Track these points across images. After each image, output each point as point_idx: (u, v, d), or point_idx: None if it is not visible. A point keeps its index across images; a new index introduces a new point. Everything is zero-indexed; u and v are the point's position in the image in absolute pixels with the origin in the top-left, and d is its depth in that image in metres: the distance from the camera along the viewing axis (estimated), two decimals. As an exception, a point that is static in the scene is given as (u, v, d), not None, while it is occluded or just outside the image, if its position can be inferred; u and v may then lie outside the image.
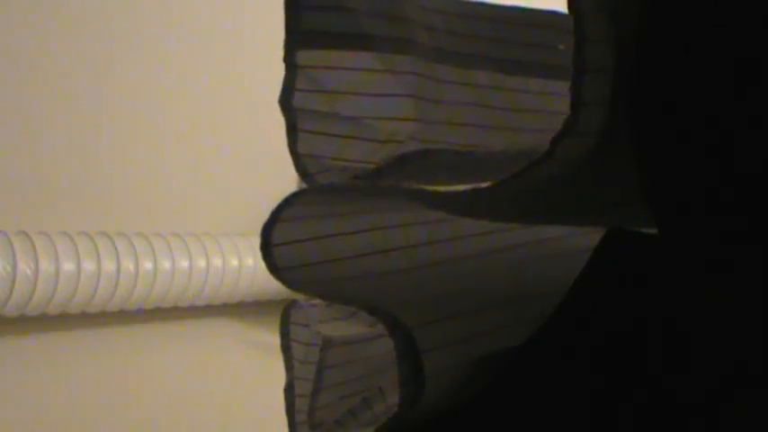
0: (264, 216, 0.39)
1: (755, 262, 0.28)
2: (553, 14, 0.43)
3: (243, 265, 1.10)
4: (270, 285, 1.03)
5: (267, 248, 0.39)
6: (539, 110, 0.43)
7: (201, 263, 1.06)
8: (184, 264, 1.04)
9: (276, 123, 0.43)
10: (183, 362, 1.04)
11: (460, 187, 0.35)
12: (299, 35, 0.41)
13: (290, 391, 0.47)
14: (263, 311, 1.14)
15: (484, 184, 0.33)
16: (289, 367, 0.48)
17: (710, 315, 0.31)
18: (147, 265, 1.00)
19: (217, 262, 1.07)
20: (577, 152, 0.31)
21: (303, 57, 0.41)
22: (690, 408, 0.32)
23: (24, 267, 0.90)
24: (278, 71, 0.42)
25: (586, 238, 0.38)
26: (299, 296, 0.46)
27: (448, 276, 0.41)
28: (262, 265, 0.40)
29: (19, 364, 0.93)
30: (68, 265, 0.93)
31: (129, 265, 0.98)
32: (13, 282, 0.89)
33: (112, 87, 1.09)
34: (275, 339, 0.48)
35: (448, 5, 0.43)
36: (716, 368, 0.31)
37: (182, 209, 1.17)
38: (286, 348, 0.48)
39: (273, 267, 0.40)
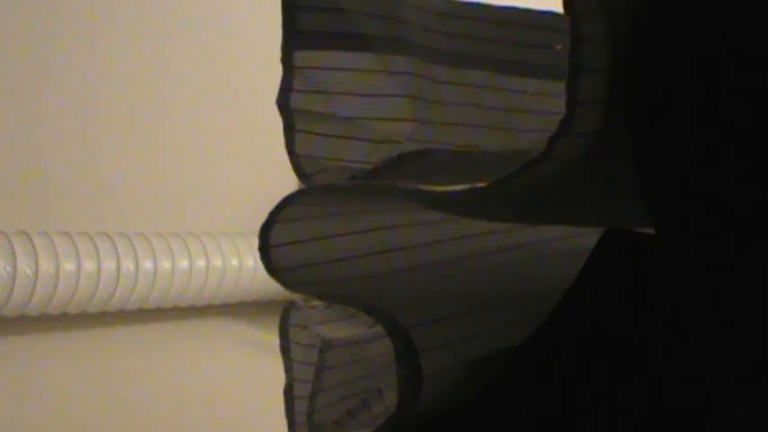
0: (264, 216, 0.39)
1: (755, 262, 0.28)
2: (549, 15, 0.43)
3: (243, 265, 1.09)
4: (270, 285, 1.03)
5: (265, 249, 0.39)
6: (535, 110, 0.43)
7: (201, 263, 1.06)
8: (184, 264, 1.04)
9: (276, 124, 0.43)
10: (183, 362, 1.04)
11: (457, 187, 0.35)
12: (297, 36, 0.41)
13: (289, 392, 0.47)
14: (263, 311, 1.14)
15: (480, 185, 0.33)
16: (288, 369, 0.48)
17: (710, 315, 0.31)
18: (147, 265, 1.00)
19: (217, 262, 1.07)
20: (574, 152, 0.31)
21: (300, 57, 0.41)
22: (690, 408, 0.32)
23: (24, 267, 0.89)
24: (277, 71, 0.42)
25: (585, 238, 0.38)
26: (299, 297, 0.46)
27: (446, 277, 0.41)
28: (262, 264, 0.40)
29: (19, 364, 0.93)
30: (68, 265, 0.93)
31: (129, 265, 0.98)
32: (13, 282, 0.88)
33: (112, 87, 1.09)
34: (275, 339, 0.48)
35: (444, 6, 0.43)
36: (716, 368, 0.31)
37: (182, 209, 1.17)
38: (285, 350, 0.48)
39: (272, 268, 0.40)
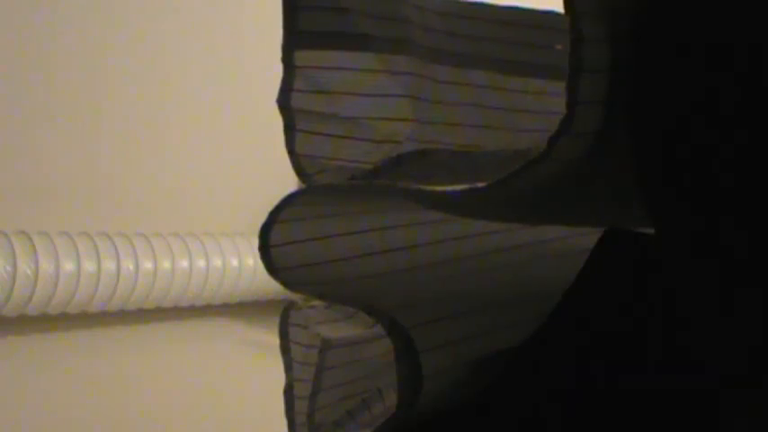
0: (264, 216, 0.39)
1: (755, 262, 0.28)
2: (550, 14, 0.43)
3: (243, 265, 1.09)
4: (270, 285, 1.03)
5: (265, 249, 0.39)
6: (536, 110, 0.43)
7: (201, 263, 1.05)
8: (184, 264, 1.04)
9: (276, 123, 0.43)
10: (183, 362, 1.04)
11: (457, 187, 0.35)
12: (298, 35, 0.41)
13: (289, 392, 0.47)
14: (263, 311, 1.14)
15: (480, 185, 0.33)
16: (288, 369, 0.48)
17: (711, 315, 0.31)
18: (147, 265, 1.00)
19: (217, 262, 1.07)
20: (574, 152, 0.31)
21: (301, 57, 0.41)
22: (690, 407, 0.32)
23: (24, 267, 0.89)
24: (277, 71, 0.42)
25: (586, 238, 0.38)
26: (299, 297, 0.46)
27: (447, 277, 0.41)
28: (262, 265, 0.40)
29: (19, 364, 0.93)
30: (68, 265, 0.93)
31: (129, 265, 0.98)
32: (14, 282, 0.88)
33: (113, 87, 1.09)
34: (275, 339, 0.48)
35: (445, 6, 0.43)
36: (716, 368, 0.31)
37: (182, 209, 1.17)
38: (285, 350, 0.48)
39: (272, 268, 0.40)
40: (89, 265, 0.95)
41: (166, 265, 1.02)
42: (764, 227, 0.27)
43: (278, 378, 0.48)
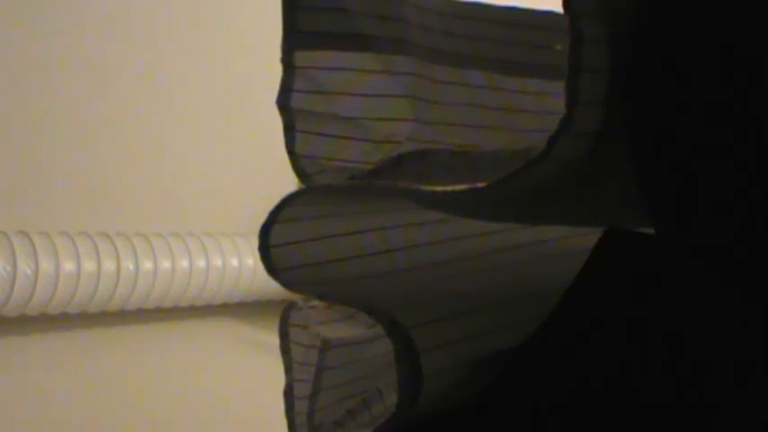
0: (264, 216, 0.39)
1: (755, 262, 0.28)
2: (550, 15, 0.43)
3: (243, 265, 1.09)
4: (270, 285, 1.03)
5: (265, 249, 0.39)
6: (535, 110, 0.43)
7: (201, 263, 1.06)
8: (184, 264, 1.04)
9: (276, 124, 0.43)
10: (183, 362, 1.04)
11: (457, 187, 0.35)
12: (297, 36, 0.41)
13: (289, 393, 0.47)
14: (263, 311, 1.14)
15: (480, 185, 0.33)
16: (288, 369, 0.48)
17: (710, 315, 0.31)
18: (147, 265, 1.00)
19: (217, 262, 1.07)
20: (574, 152, 0.31)
21: (301, 57, 0.41)
22: (689, 407, 0.32)
23: (24, 267, 0.89)
24: (277, 71, 0.42)
25: (585, 238, 0.38)
26: (299, 297, 0.46)
27: (446, 277, 0.41)
28: (262, 264, 0.40)
29: (19, 364, 0.93)
30: (68, 265, 0.93)
31: (129, 265, 0.98)
32: (14, 282, 0.89)
33: (112, 87, 1.09)
34: (275, 339, 0.48)
35: (444, 6, 0.43)
36: (716, 369, 0.31)
37: (182, 209, 1.17)
38: (285, 350, 0.48)
39: (271, 268, 0.40)
40: (89, 265, 0.95)
41: (166, 265, 1.02)
42: (764, 227, 0.28)
43: (278, 378, 0.48)
